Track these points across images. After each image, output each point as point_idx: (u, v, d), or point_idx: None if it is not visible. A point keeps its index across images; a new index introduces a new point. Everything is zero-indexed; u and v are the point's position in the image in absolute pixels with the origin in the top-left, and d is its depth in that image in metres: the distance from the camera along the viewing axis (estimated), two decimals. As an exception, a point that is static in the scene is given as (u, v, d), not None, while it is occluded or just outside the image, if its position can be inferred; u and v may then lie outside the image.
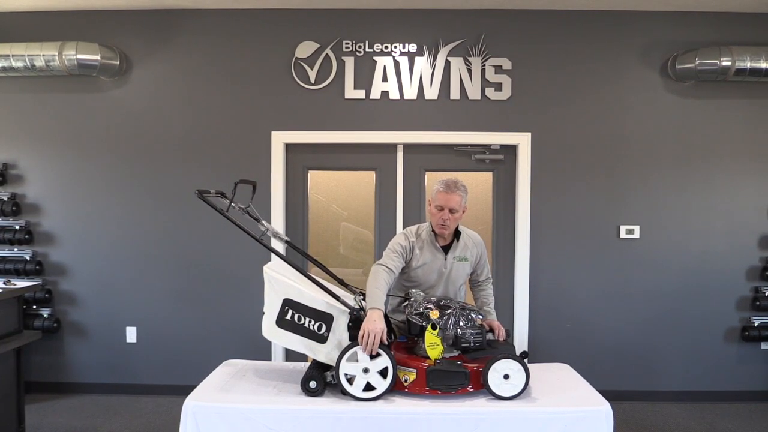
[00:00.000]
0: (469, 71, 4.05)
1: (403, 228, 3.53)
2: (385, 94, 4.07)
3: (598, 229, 4.11)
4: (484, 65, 4.05)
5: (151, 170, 4.15)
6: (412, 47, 4.06)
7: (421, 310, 2.27)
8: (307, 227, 4.25)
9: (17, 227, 4.12)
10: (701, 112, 4.08)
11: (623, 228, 4.09)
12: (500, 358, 2.14)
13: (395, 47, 4.06)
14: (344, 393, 2.16)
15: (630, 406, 3.99)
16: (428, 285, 2.62)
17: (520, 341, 4.08)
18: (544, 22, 4.06)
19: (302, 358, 2.74)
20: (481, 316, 2.35)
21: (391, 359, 2.13)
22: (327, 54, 4.07)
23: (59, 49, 3.87)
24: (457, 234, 2.65)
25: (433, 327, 2.17)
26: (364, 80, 4.07)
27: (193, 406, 2.09)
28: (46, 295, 4.14)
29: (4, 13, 4.10)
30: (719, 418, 3.81)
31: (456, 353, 2.26)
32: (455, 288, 2.68)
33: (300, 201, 4.23)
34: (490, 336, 2.41)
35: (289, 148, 4.19)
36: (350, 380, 2.15)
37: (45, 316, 4.14)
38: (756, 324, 4.08)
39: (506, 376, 2.13)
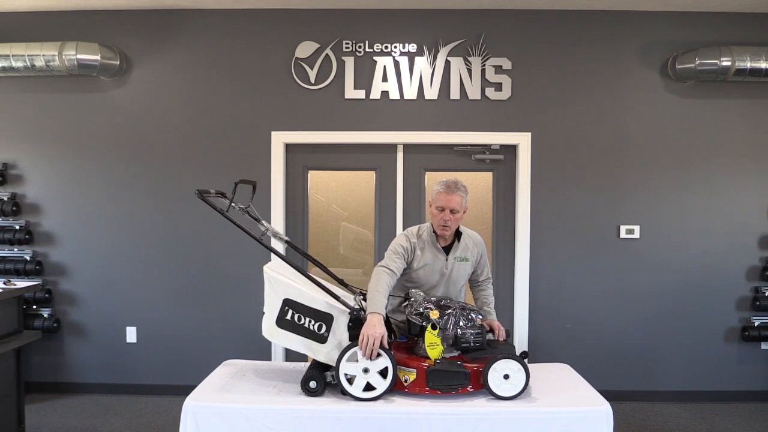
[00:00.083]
0: (469, 71, 4.05)
1: (403, 228, 3.54)
2: (385, 94, 4.07)
3: (598, 229, 4.11)
4: (484, 65, 4.05)
5: (151, 170, 4.15)
6: (412, 47, 4.06)
7: (421, 310, 2.27)
8: (307, 227, 4.25)
9: (17, 227, 4.12)
10: (701, 112, 4.08)
11: (623, 228, 4.09)
12: (500, 358, 2.14)
13: (395, 47, 4.06)
14: (344, 393, 2.16)
15: (630, 406, 3.99)
16: (429, 286, 2.62)
17: (520, 341, 4.08)
18: (544, 22, 4.07)
19: (302, 358, 2.74)
20: (481, 316, 2.35)
21: (391, 359, 2.13)
22: (327, 54, 4.07)
23: (59, 49, 3.87)
24: (458, 234, 2.65)
25: (433, 327, 2.17)
26: (364, 80, 4.07)
27: (193, 406, 2.09)
28: (46, 295, 4.14)
29: (4, 13, 4.10)
30: (719, 418, 3.81)
31: (456, 353, 2.26)
32: (456, 288, 2.68)
33: (300, 201, 4.23)
34: (490, 336, 2.41)
35: (289, 148, 4.19)
36: (350, 380, 2.14)
37: (45, 316, 4.14)
38: (756, 324, 4.08)
39: (506, 376, 2.13)
